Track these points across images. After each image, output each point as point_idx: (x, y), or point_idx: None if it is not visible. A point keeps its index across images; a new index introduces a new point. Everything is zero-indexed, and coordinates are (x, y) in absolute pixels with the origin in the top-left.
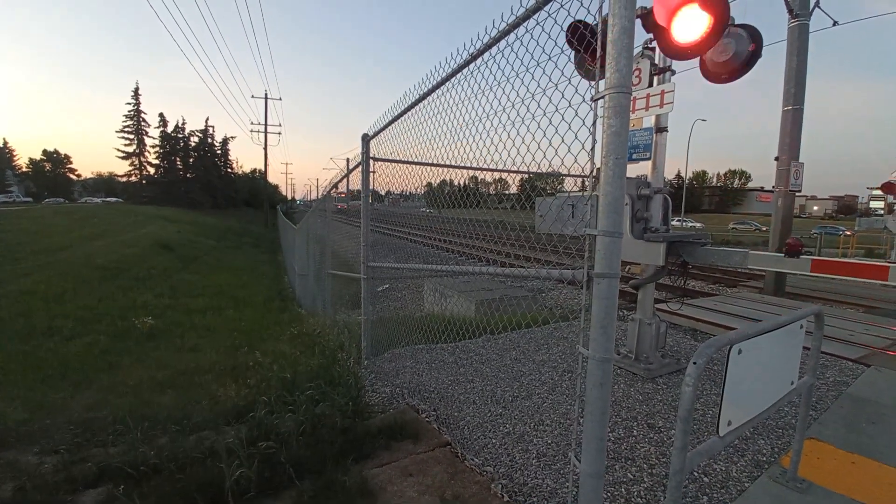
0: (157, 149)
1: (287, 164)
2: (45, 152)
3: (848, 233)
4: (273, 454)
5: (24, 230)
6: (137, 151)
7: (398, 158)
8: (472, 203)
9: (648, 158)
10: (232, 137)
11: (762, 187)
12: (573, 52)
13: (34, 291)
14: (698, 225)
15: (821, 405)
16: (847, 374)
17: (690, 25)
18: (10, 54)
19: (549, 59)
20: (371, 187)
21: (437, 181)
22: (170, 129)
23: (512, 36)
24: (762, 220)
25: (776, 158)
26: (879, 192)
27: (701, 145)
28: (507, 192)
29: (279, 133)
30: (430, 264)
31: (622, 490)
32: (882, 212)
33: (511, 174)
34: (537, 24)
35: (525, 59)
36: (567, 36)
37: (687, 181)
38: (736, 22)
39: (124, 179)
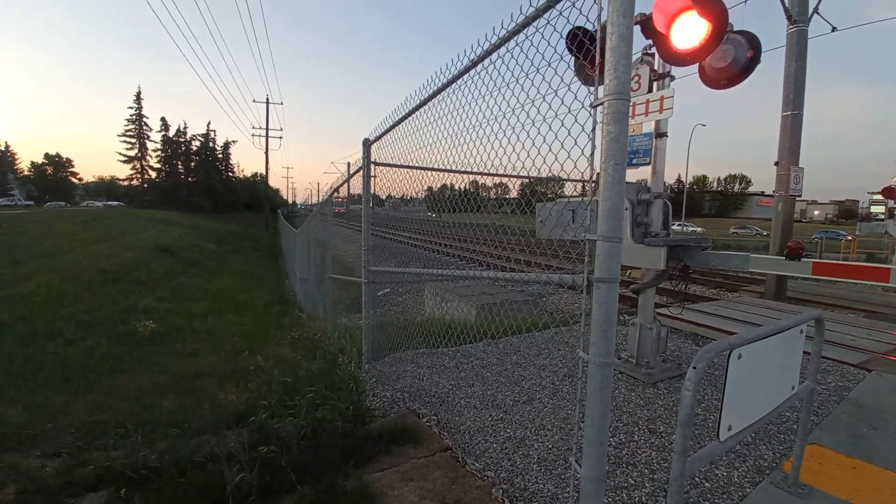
0: (159, 153)
1: (288, 167)
2: (46, 156)
3: (849, 237)
4: (274, 458)
5: (25, 233)
6: (139, 155)
7: (399, 163)
8: (472, 207)
9: (648, 163)
10: (233, 142)
11: (762, 192)
12: (572, 59)
13: (35, 294)
14: (699, 229)
15: (822, 410)
16: (848, 378)
17: (689, 32)
18: (10, 55)
19: (549, 65)
20: (372, 191)
21: (438, 185)
22: (171, 133)
23: (512, 42)
24: (763, 224)
25: (776, 163)
26: (880, 197)
27: (701, 150)
28: (507, 196)
29: (280, 137)
30: (430, 269)
31: (623, 495)
32: (883, 216)
33: (511, 178)
34: (536, 30)
35: (525, 66)
36: (566, 43)
37: (687, 186)
38: (735, 28)
39: (126, 183)
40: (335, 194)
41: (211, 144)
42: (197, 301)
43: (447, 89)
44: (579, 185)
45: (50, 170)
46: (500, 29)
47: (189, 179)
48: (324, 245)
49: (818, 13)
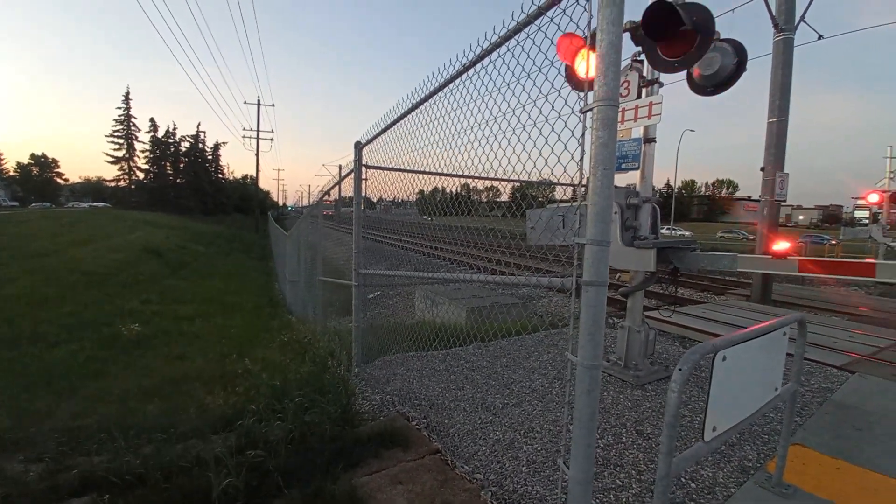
0: (147, 154)
1: (279, 169)
2: (32, 156)
3: (833, 242)
4: (261, 463)
5: (9, 234)
6: (127, 156)
7: (391, 166)
8: (463, 210)
9: (637, 168)
10: (223, 143)
11: (749, 197)
12: (563, 65)
13: (19, 297)
14: (687, 233)
15: (806, 411)
16: (832, 380)
17: (677, 40)
18: None
19: (539, 71)
20: (363, 194)
21: (430, 189)
22: (160, 133)
23: (503, 48)
24: (749, 228)
25: (762, 169)
26: (864, 202)
27: (690, 155)
28: (498, 199)
29: (271, 139)
30: (421, 272)
31: (611, 496)
32: (867, 221)
33: (502, 182)
34: (528, 36)
35: (516, 71)
36: (558, 49)
37: (676, 190)
38: (722, 36)
39: (113, 184)
40: (326, 197)
41: (200, 146)
42: (184, 304)
43: (439, 93)
44: (570, 189)
45: (35, 170)
46: (492, 34)
47: (178, 181)
48: (314, 247)
49: (805, 21)
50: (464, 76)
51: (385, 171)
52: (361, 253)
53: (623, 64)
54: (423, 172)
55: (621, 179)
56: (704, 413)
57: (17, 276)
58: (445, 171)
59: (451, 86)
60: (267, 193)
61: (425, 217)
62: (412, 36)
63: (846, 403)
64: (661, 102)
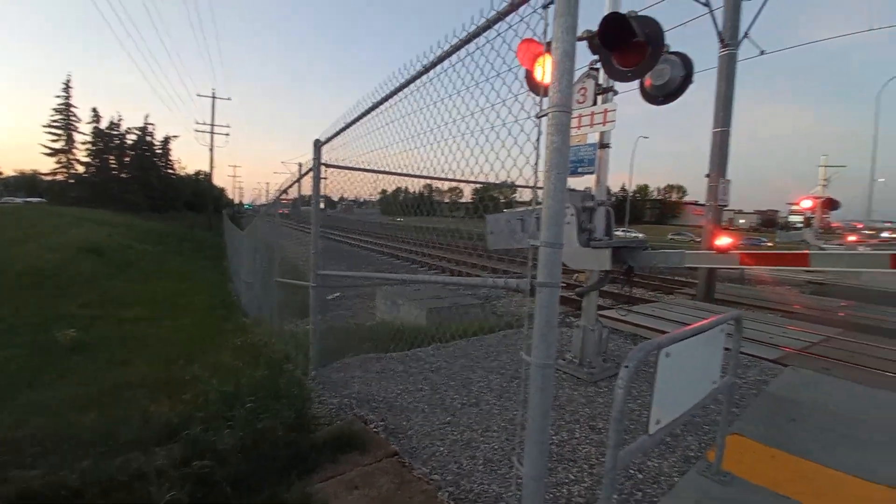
0: (89, 146)
1: (235, 166)
2: None
3: (770, 244)
4: (209, 474)
5: None
6: (66, 148)
7: (351, 165)
8: (426, 211)
9: (593, 172)
10: (174, 137)
11: (696, 201)
12: (522, 70)
13: None
14: (640, 235)
15: (743, 403)
16: (767, 373)
17: (630, 51)
18: None
19: (498, 75)
20: (323, 193)
21: (393, 188)
22: (104, 125)
23: (463, 51)
24: (697, 231)
25: (707, 175)
26: (798, 208)
27: (644, 161)
28: (461, 200)
29: (227, 134)
30: (381, 273)
31: (564, 490)
32: (800, 225)
33: (464, 183)
34: (487, 41)
35: (476, 75)
36: (517, 55)
37: (630, 194)
38: (672, 49)
39: (50, 178)
40: (283, 196)
41: (149, 138)
42: (128, 307)
43: (402, 92)
44: (531, 191)
45: None
46: (453, 37)
47: (122, 175)
48: (271, 247)
49: (749, 37)
50: (424, 78)
51: (347, 170)
52: (320, 253)
53: (581, 71)
54: (384, 172)
55: (579, 183)
56: (649, 407)
57: None
58: (408, 172)
59: (414, 85)
60: (222, 191)
61: (399, 219)
62: (374, 34)
63: (780, 395)
64: (615, 109)
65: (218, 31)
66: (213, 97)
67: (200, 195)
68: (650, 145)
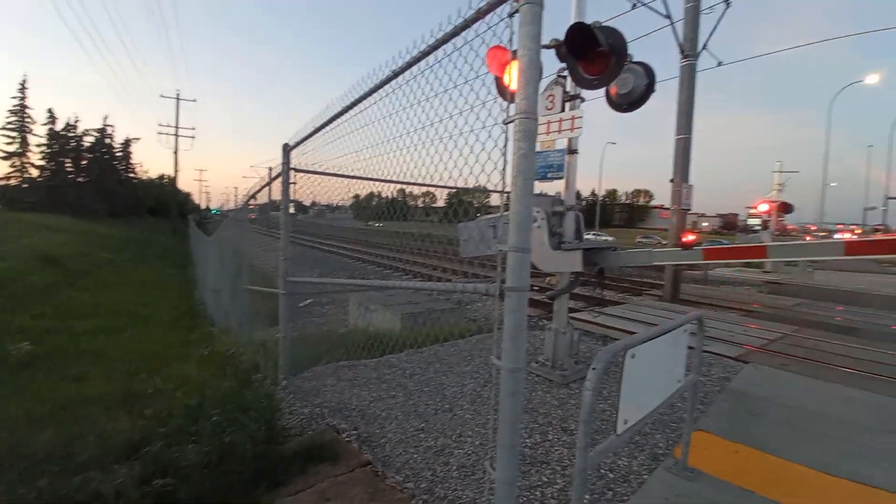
0: (44, 148)
1: (202, 170)
2: None
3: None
4: (171, 491)
5: None
6: (20, 151)
7: (321, 170)
8: (399, 216)
9: (562, 178)
10: (136, 139)
11: (662, 205)
12: (490, 77)
13: None
14: (610, 238)
15: (708, 399)
16: (729, 370)
17: (595, 60)
18: None
19: (466, 82)
20: (294, 198)
21: (365, 193)
22: (60, 126)
23: (431, 58)
24: (663, 234)
25: (671, 180)
26: (755, 211)
27: (612, 166)
28: (434, 205)
29: (192, 136)
30: (354, 279)
31: (537, 493)
32: (758, 228)
33: (438, 188)
34: (455, 48)
35: (444, 81)
36: (487, 61)
37: (600, 198)
38: (635, 59)
39: (3, 183)
40: (252, 201)
41: (108, 141)
42: (85, 318)
43: (371, 97)
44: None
45: None
46: (422, 43)
47: (79, 179)
48: (240, 254)
49: (707, 49)
50: (394, 83)
51: (318, 175)
52: (290, 260)
53: (550, 79)
54: (354, 177)
55: (551, 188)
56: (617, 407)
57: None
58: (379, 177)
59: (384, 90)
60: (188, 195)
61: (376, 224)
62: (345, 37)
63: (742, 391)
64: (582, 116)
65: (182, 29)
66: (178, 98)
67: (164, 200)
68: (619, 151)
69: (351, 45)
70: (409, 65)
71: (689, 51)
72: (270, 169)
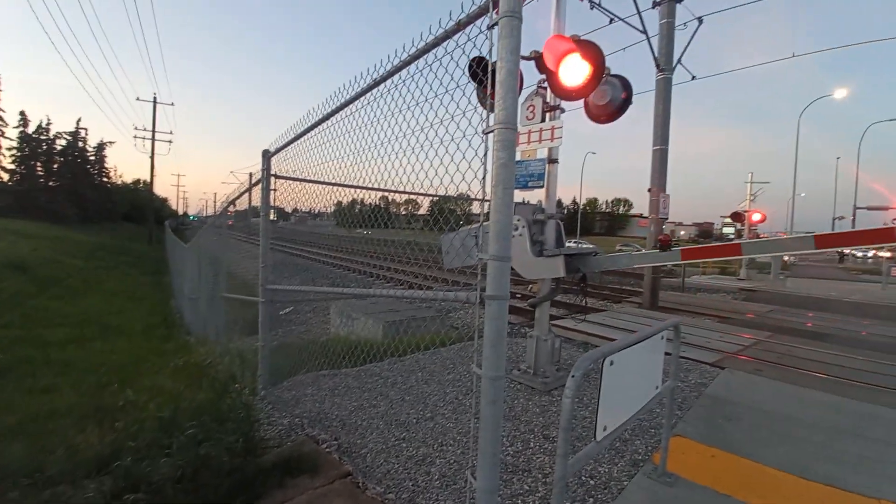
0: (15, 152)
1: (179, 175)
2: None
3: None
4: None
5: None
6: None
7: (302, 177)
8: (381, 223)
9: (542, 186)
10: (110, 143)
11: (641, 214)
12: (470, 87)
13: None
14: (591, 246)
15: (685, 405)
16: (706, 376)
17: (574, 72)
18: None
19: (447, 91)
20: (274, 205)
21: (348, 200)
22: (32, 129)
23: (413, 67)
24: (642, 242)
25: (649, 189)
26: (729, 220)
27: (593, 175)
28: (417, 212)
29: (169, 141)
30: (335, 287)
31: (519, 502)
32: (733, 236)
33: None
34: (436, 59)
35: (425, 91)
36: (468, 71)
37: (581, 207)
38: (612, 72)
39: None
40: (232, 207)
41: (81, 144)
42: (55, 327)
43: (356, 102)
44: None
45: None
46: (403, 52)
47: (50, 183)
48: (218, 261)
49: (681, 64)
50: (375, 91)
51: (297, 182)
52: (270, 267)
53: (531, 89)
54: (335, 184)
55: (533, 196)
56: (596, 414)
57: None
58: (361, 184)
59: (365, 99)
60: (164, 201)
61: (363, 231)
62: (329, 44)
63: (718, 396)
64: (562, 126)
65: (160, 31)
66: (155, 101)
67: (140, 205)
68: (599, 161)
69: (334, 50)
70: (389, 74)
71: (665, 65)
72: (251, 175)
